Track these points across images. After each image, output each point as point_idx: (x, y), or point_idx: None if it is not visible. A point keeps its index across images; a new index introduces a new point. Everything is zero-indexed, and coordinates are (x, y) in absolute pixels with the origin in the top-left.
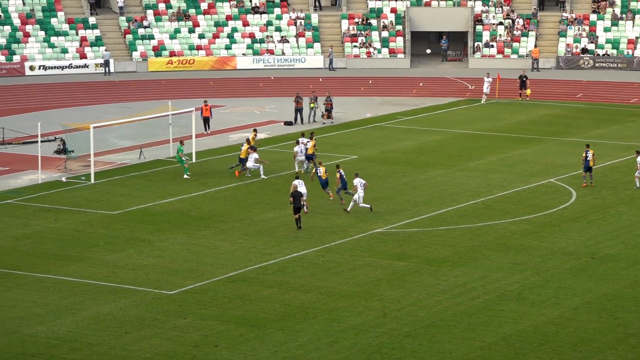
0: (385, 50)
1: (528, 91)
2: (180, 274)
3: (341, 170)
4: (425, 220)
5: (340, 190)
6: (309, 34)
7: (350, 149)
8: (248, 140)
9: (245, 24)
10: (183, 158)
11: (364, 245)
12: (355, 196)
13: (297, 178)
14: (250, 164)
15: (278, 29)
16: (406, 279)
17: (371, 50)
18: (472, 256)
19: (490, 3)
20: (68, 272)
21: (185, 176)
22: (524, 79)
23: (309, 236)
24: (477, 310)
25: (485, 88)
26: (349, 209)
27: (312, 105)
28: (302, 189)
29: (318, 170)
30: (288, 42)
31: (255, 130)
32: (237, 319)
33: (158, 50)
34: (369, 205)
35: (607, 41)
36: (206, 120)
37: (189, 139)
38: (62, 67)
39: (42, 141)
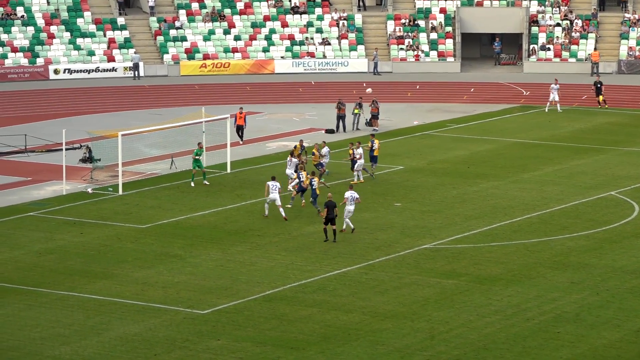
0: (433, 53)
1: (600, 98)
2: (213, 292)
3: (313, 180)
4: (476, 235)
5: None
6: (352, 35)
7: (396, 158)
8: (299, 155)
9: (284, 25)
10: (200, 161)
11: (411, 262)
12: (346, 213)
13: (273, 179)
14: (289, 171)
15: (319, 31)
16: (455, 299)
17: (419, 53)
18: (527, 274)
19: (547, 3)
20: (94, 289)
21: (192, 184)
22: (599, 84)
23: (351, 252)
24: (532, 332)
25: (555, 95)
26: (352, 228)
27: (356, 111)
28: (274, 194)
29: (300, 176)
30: (330, 44)
31: (301, 141)
32: (274, 341)
33: (191, 53)
34: (351, 225)
35: None
36: (239, 129)
37: (224, 148)
38: (89, 71)
39: (66, 149)
